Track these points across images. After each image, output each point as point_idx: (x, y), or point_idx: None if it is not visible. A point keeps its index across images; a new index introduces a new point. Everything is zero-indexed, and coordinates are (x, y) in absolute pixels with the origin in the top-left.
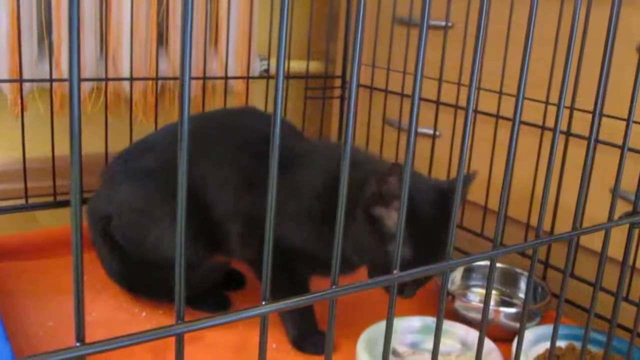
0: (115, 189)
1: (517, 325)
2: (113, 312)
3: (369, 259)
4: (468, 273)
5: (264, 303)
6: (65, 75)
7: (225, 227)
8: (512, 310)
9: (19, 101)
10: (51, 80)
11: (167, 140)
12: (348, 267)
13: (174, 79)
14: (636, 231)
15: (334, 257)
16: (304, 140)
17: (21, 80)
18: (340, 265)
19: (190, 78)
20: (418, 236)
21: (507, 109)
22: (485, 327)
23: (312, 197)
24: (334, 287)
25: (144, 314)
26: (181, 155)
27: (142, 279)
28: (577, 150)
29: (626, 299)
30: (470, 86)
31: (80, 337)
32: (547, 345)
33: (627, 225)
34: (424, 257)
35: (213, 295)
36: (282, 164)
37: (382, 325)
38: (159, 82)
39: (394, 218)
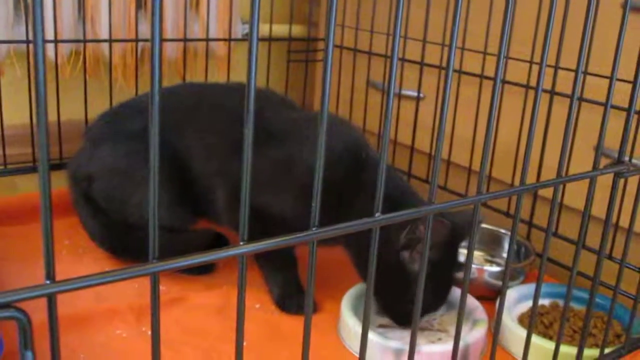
0: (98, 149)
1: (501, 283)
2: None
3: (387, 295)
4: None
5: (241, 243)
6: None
7: (212, 194)
8: (496, 268)
9: None
10: (27, 41)
11: (163, 103)
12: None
13: None
14: (620, 182)
15: (314, 200)
16: (300, 112)
17: None
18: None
19: (167, 39)
20: (437, 278)
21: (492, 69)
22: (469, 275)
23: (307, 175)
24: (314, 229)
25: None
26: (153, 117)
27: (124, 241)
28: (562, 110)
29: (609, 257)
30: (450, 46)
31: (50, 275)
32: (531, 303)
33: (610, 185)
34: (442, 296)
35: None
36: (275, 134)
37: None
38: (139, 45)
39: (418, 261)
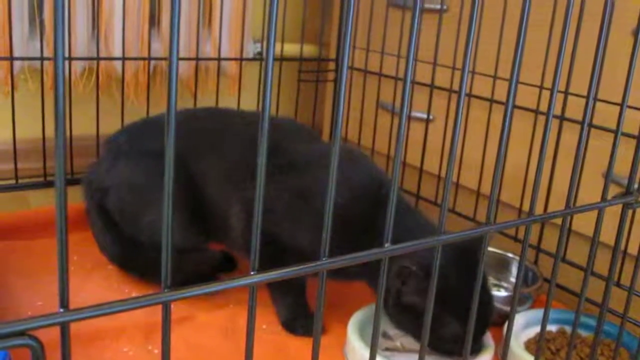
0: (117, 162)
1: (508, 308)
2: (103, 292)
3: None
4: None
5: (252, 273)
6: None
7: (227, 220)
8: (503, 294)
9: (10, 80)
10: (42, 58)
11: (182, 125)
12: (344, 277)
13: (166, 59)
14: (629, 212)
15: (325, 230)
16: (323, 144)
17: (12, 59)
18: (336, 275)
19: (179, 58)
20: (460, 307)
21: (502, 93)
22: (476, 303)
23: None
24: (324, 259)
25: (134, 294)
26: (169, 137)
27: (134, 258)
28: (571, 136)
29: (617, 284)
30: (463, 70)
31: (64, 303)
32: (538, 329)
33: (620, 212)
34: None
35: (205, 279)
36: (297, 166)
37: (372, 308)
38: (151, 63)
39: (424, 296)
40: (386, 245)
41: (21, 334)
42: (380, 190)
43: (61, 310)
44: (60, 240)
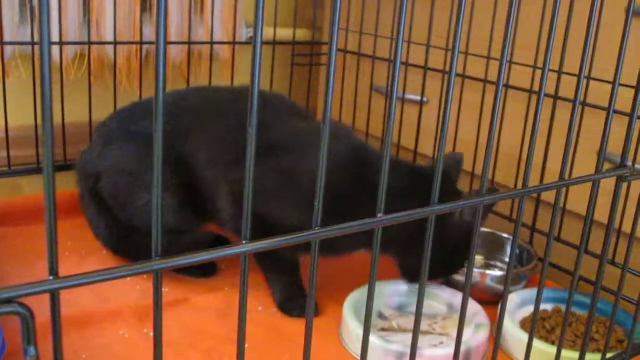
0: (109, 147)
1: (503, 288)
2: None
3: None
4: None
5: (244, 242)
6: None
7: (217, 201)
8: (498, 273)
9: (0, 65)
10: (33, 43)
11: (173, 107)
12: (334, 252)
13: None
14: (623, 186)
15: (317, 199)
16: (308, 120)
17: (2, 43)
18: (327, 250)
19: (171, 42)
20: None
21: (495, 74)
22: (471, 280)
23: (312, 185)
24: (317, 228)
25: (128, 278)
26: (157, 123)
27: (128, 242)
28: (566, 116)
29: (612, 262)
30: (454, 49)
31: (53, 271)
32: (533, 308)
33: (613, 189)
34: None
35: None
36: (281, 145)
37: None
38: (144, 48)
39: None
40: (379, 215)
41: (9, 301)
42: (363, 157)
43: (51, 277)
44: (49, 206)
